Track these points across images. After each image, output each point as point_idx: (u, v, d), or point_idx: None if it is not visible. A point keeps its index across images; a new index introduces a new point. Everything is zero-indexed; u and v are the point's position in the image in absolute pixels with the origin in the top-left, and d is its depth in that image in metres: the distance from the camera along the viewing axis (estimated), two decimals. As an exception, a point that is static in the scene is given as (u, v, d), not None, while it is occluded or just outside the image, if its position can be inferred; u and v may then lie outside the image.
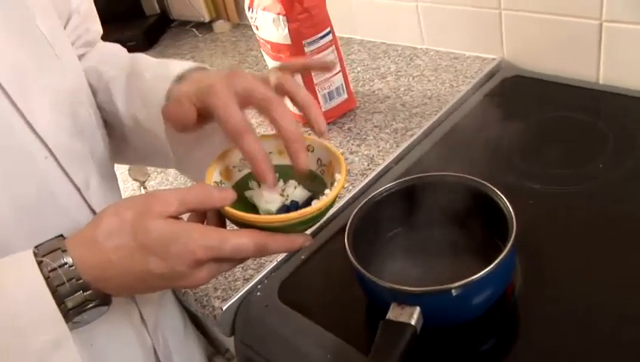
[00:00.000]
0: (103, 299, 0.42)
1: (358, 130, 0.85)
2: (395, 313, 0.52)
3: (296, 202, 0.51)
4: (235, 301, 0.65)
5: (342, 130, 0.86)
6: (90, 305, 0.41)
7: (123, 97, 0.54)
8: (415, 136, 0.80)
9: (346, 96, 0.86)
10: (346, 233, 0.57)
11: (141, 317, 0.55)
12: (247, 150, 0.46)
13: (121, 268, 0.40)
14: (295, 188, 0.52)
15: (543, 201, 0.66)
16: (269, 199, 0.50)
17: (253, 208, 0.51)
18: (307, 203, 0.51)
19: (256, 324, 0.62)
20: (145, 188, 0.85)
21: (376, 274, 0.54)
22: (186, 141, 0.53)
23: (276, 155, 0.53)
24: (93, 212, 0.49)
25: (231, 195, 0.46)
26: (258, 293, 0.65)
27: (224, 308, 0.64)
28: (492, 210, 0.57)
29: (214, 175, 0.50)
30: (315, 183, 0.52)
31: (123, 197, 0.60)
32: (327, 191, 0.49)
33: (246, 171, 0.53)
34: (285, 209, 0.50)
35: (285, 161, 0.52)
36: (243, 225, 0.46)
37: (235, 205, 0.47)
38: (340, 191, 0.48)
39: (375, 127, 0.84)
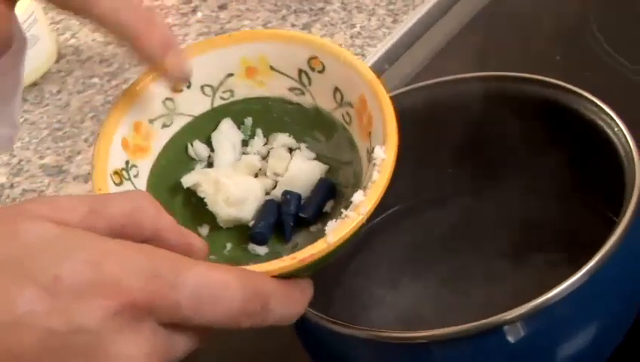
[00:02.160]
0: None
1: (307, -9, 0.88)
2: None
3: (297, 194, 0.53)
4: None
5: (268, -8, 0.89)
6: None
7: None
8: (433, 2, 0.82)
9: None
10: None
11: None
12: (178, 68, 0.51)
13: None
14: (291, 152, 0.55)
15: None
16: (237, 189, 0.53)
17: (197, 213, 0.54)
18: (322, 192, 0.53)
19: None
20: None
21: (338, 311, 0.55)
22: None
23: (242, 79, 0.56)
24: None
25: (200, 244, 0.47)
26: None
27: None
28: (592, 146, 0.58)
29: (114, 143, 0.52)
30: (334, 141, 0.55)
31: None
32: (357, 194, 0.49)
33: (179, 124, 0.56)
34: (271, 210, 0.53)
35: (262, 90, 0.56)
36: None
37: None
38: (387, 184, 0.49)
39: (345, -19, 0.89)
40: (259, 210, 0.53)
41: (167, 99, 0.55)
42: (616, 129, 0.57)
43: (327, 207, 0.53)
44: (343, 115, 0.54)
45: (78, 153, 0.81)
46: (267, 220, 0.52)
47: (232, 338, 0.63)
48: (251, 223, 0.52)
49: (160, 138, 0.55)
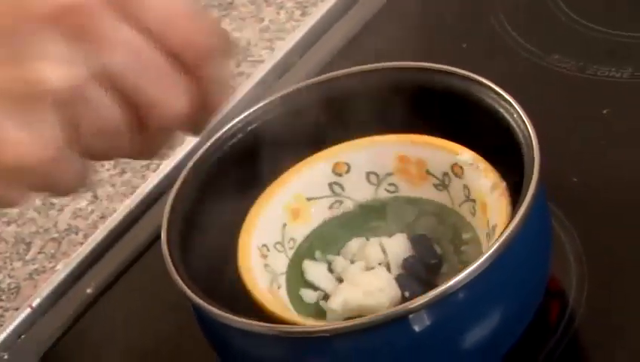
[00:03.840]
0: None
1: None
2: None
3: (413, 255, 0.60)
4: None
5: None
6: None
7: None
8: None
9: None
10: (165, 225, 0.58)
11: None
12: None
13: None
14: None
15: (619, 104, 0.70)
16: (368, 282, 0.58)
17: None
18: (422, 243, 0.60)
19: None
20: None
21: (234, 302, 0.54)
22: None
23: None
24: None
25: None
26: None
27: None
28: (494, 134, 0.58)
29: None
30: (450, 231, 0.61)
31: None
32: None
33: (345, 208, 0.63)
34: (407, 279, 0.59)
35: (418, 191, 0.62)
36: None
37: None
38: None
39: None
40: (399, 283, 0.57)
41: (334, 183, 0.62)
42: (515, 115, 0.57)
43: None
44: (470, 210, 0.58)
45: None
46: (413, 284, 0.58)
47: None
48: (406, 293, 0.57)
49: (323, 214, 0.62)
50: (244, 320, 0.52)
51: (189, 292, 0.55)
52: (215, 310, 0.53)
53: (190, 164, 0.62)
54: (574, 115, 0.71)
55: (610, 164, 0.66)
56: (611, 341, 0.57)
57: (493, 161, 0.58)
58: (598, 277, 0.60)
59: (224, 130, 0.63)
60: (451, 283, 0.50)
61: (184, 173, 0.61)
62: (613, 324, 0.58)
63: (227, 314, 0.53)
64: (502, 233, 0.51)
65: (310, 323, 0.54)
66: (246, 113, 0.64)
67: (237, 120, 0.64)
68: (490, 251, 0.50)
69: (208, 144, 0.63)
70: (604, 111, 0.70)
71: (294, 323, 0.53)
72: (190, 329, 0.59)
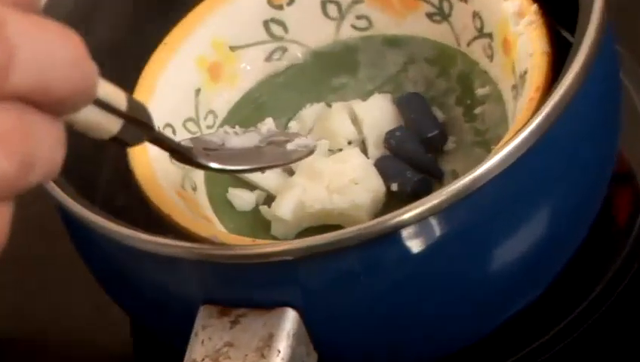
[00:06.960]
0: None
1: None
2: (207, 344, 0.42)
3: (401, 127, 0.50)
4: None
5: None
6: None
7: None
8: None
9: None
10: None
11: None
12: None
13: None
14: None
15: None
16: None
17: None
18: (420, 106, 0.51)
19: None
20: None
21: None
22: None
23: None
24: None
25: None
26: None
27: None
28: None
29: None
30: (458, 85, 0.51)
31: None
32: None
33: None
34: (392, 162, 0.50)
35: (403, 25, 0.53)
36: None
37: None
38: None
39: None
40: (381, 170, 0.48)
41: (271, 20, 0.52)
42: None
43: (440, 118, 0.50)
44: (484, 49, 0.49)
45: None
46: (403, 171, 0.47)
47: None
48: (393, 186, 0.47)
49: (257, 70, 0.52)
50: (159, 240, 0.41)
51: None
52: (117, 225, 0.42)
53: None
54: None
55: None
56: None
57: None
58: None
59: None
60: (475, 174, 0.38)
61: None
62: None
63: (132, 231, 0.42)
64: (554, 89, 0.40)
65: (248, 241, 0.43)
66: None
67: None
68: (537, 120, 0.39)
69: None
70: None
71: (216, 242, 0.42)
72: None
